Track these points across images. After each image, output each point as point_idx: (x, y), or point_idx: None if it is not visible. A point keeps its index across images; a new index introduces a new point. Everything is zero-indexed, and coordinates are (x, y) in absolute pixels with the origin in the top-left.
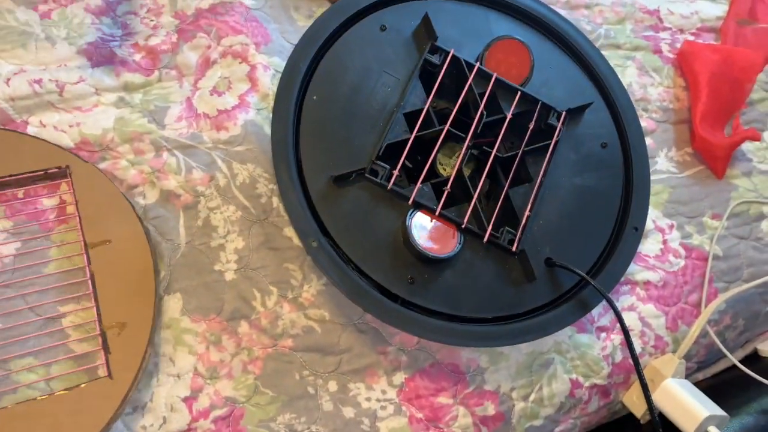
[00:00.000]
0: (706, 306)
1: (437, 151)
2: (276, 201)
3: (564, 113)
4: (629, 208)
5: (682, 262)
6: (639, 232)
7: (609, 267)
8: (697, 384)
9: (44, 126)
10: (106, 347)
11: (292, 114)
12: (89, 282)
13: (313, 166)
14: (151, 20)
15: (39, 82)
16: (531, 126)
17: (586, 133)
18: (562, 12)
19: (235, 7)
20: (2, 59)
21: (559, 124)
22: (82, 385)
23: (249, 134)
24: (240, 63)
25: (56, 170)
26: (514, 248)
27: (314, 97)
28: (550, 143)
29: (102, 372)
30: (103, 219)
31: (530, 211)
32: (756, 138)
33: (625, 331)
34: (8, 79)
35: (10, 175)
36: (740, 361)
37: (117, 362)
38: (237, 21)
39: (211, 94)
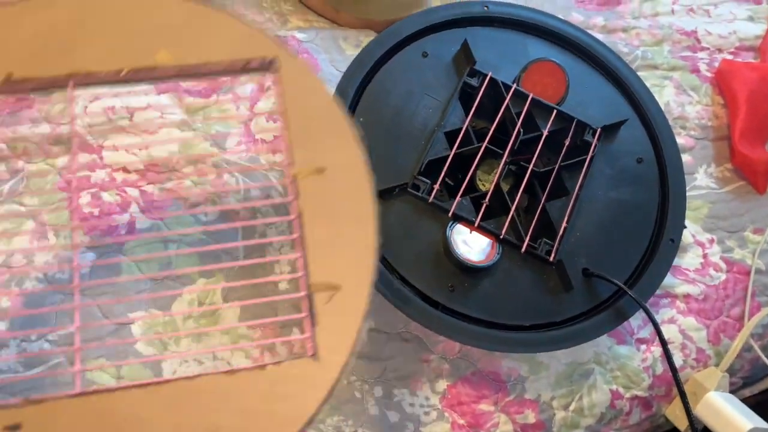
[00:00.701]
0: (748, 320)
1: (476, 167)
2: None
3: (599, 130)
4: (665, 220)
5: (723, 276)
6: (676, 244)
7: (646, 278)
8: (744, 400)
9: (117, 149)
10: (312, 316)
11: None
12: (296, 223)
13: None
14: None
15: (112, 109)
16: (567, 142)
17: (622, 149)
18: (600, 36)
19: (288, 40)
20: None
21: (594, 140)
22: (276, 365)
23: None
24: None
25: (259, 62)
26: (551, 258)
27: (361, 119)
28: (586, 158)
29: (301, 349)
30: (314, 138)
31: (567, 223)
32: None
33: (663, 341)
34: (85, 107)
35: (199, 64)
36: None
37: (324, 338)
38: None
39: (267, 121)
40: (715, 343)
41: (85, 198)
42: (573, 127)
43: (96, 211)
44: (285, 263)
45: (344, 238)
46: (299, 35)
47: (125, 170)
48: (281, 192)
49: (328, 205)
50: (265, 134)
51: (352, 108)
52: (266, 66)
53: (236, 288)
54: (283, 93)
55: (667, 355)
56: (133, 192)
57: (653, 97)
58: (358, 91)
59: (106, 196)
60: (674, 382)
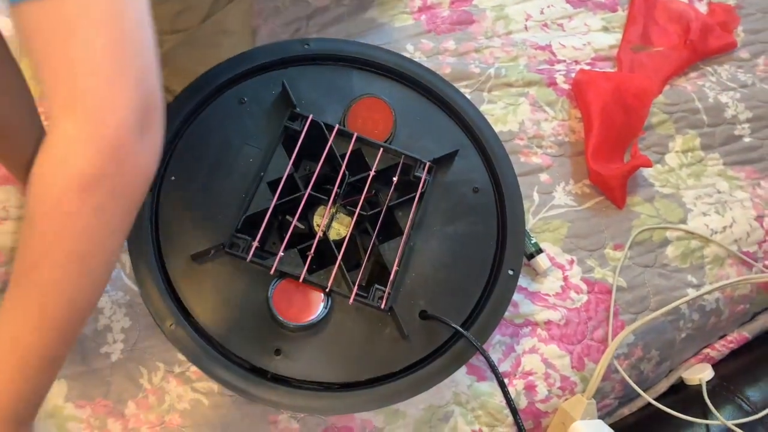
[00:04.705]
0: (612, 341)
1: (301, 214)
2: None
3: (428, 164)
4: (504, 250)
5: (585, 298)
6: (515, 274)
7: (486, 314)
8: (624, 419)
9: None
10: None
11: (150, 197)
12: None
13: (171, 247)
14: None
15: None
16: (395, 180)
17: (457, 179)
18: (451, 59)
19: None
20: None
21: (423, 175)
22: None
23: None
24: None
25: None
26: (382, 306)
27: (172, 178)
28: (415, 195)
29: None
30: None
31: (398, 265)
32: (648, 165)
33: (500, 382)
34: None
35: None
36: (667, 391)
37: None
38: None
39: None
40: (580, 368)
41: None
42: (400, 163)
43: None
44: (118, 330)
45: None
46: None
47: None
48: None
49: None
50: None
51: (163, 166)
52: None
53: (66, 367)
54: None
55: (507, 397)
56: None
57: (487, 121)
58: (169, 146)
59: None
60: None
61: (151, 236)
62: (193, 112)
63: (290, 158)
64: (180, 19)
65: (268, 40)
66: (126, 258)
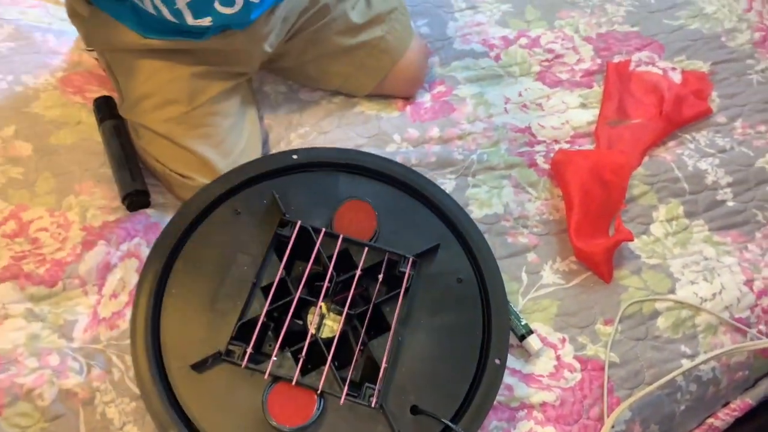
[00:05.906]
0: (607, 418)
1: (293, 314)
2: None
3: (411, 258)
4: (490, 340)
5: (579, 376)
6: (502, 363)
7: (475, 404)
8: None
9: None
10: None
11: (150, 312)
12: None
13: (174, 358)
14: (60, 234)
15: None
16: (380, 277)
17: (441, 271)
18: (436, 147)
19: (137, 216)
20: None
21: (407, 270)
22: None
23: None
24: (133, 260)
25: None
26: (372, 404)
27: (173, 291)
28: (401, 290)
29: None
30: None
31: (386, 362)
32: (629, 239)
33: None
34: None
35: None
36: None
37: None
38: (135, 228)
39: (110, 299)
40: None
41: None
42: (385, 260)
43: None
44: None
45: None
46: (149, 211)
47: None
48: (121, 367)
49: None
50: (107, 312)
51: (163, 280)
52: None
53: None
54: None
55: None
56: None
57: (467, 214)
58: (168, 261)
59: None
60: None
61: (152, 348)
62: (192, 226)
63: (281, 263)
64: (165, 110)
65: (262, 134)
66: (128, 360)
